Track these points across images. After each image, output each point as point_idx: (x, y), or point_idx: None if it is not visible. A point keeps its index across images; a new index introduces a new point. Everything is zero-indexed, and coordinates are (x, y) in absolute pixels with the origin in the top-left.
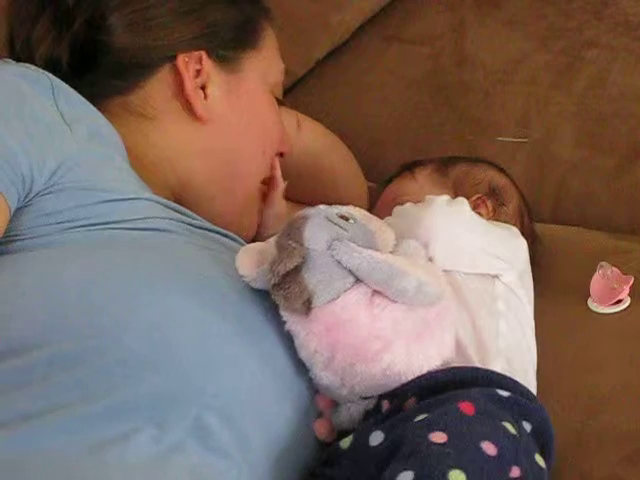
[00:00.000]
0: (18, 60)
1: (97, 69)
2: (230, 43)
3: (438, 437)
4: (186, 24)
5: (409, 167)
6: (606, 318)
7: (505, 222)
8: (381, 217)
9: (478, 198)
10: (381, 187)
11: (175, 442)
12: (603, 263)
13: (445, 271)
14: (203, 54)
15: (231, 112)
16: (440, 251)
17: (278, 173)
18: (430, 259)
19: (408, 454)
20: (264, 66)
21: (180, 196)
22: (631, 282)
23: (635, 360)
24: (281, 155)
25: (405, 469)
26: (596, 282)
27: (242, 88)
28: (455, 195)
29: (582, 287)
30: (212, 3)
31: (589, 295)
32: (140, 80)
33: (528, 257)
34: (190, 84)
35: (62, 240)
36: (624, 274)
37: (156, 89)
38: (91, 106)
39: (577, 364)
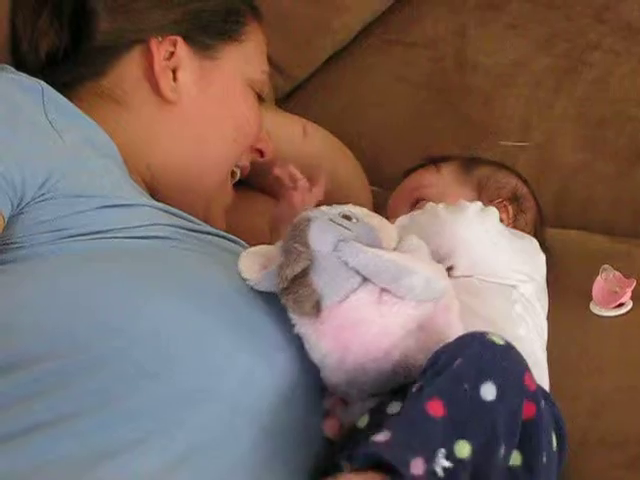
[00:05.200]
0: (23, 57)
1: (76, 56)
2: (209, 31)
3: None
4: (166, 9)
5: (434, 160)
6: (608, 321)
7: (522, 230)
8: (395, 207)
9: (500, 202)
10: (401, 178)
11: (182, 451)
12: (605, 266)
13: (464, 276)
14: (179, 38)
15: (201, 98)
16: (464, 260)
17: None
18: (452, 266)
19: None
20: (243, 59)
21: (151, 184)
22: (633, 285)
23: (637, 363)
24: (261, 154)
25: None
26: (598, 285)
27: (216, 76)
28: (478, 195)
29: (584, 290)
30: None
31: (591, 298)
32: (112, 63)
33: (545, 272)
34: (159, 65)
35: (60, 249)
36: (626, 277)
37: (126, 71)
38: (84, 115)
39: (579, 367)
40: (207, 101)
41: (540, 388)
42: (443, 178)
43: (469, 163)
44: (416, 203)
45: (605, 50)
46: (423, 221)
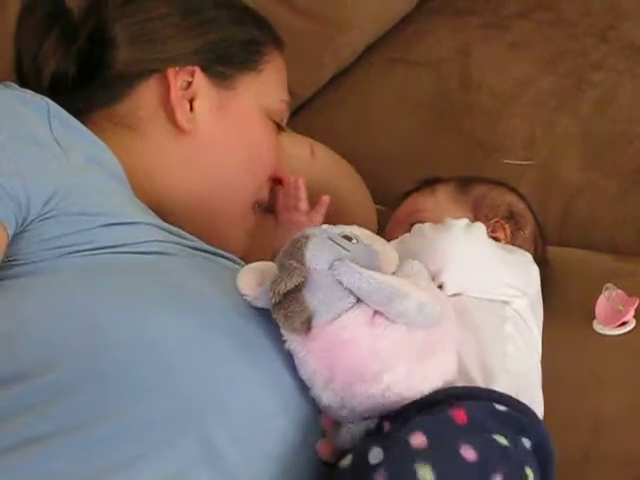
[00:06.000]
0: (26, 77)
1: (92, 83)
2: (228, 61)
3: (418, 438)
4: (186, 39)
5: (429, 183)
6: (611, 340)
7: (520, 247)
8: (394, 231)
9: (496, 222)
10: (398, 201)
11: (182, 466)
12: (608, 285)
13: (454, 294)
14: (196, 68)
15: (217, 128)
16: (453, 278)
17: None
18: (441, 284)
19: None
20: (262, 90)
21: (159, 207)
22: (636, 304)
23: (639, 382)
24: (279, 182)
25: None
26: (601, 304)
27: (233, 106)
28: (474, 216)
29: (587, 309)
30: (216, 21)
31: (594, 317)
32: (128, 90)
33: (539, 285)
34: (175, 93)
35: (63, 265)
36: (629, 296)
37: (142, 99)
38: (89, 133)
39: (582, 385)
40: (223, 131)
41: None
42: (439, 201)
43: (464, 183)
44: (412, 227)
45: (608, 69)
46: (411, 242)
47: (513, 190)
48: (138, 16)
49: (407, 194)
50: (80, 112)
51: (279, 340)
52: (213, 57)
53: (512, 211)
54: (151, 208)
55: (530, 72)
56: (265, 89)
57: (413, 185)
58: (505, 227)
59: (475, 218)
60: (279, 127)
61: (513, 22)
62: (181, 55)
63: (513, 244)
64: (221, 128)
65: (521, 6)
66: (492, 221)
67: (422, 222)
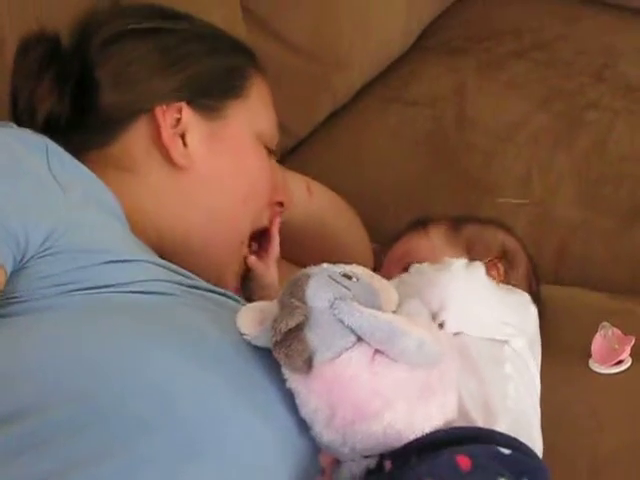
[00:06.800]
0: (20, 117)
1: (83, 126)
2: (213, 91)
3: None
4: (167, 77)
5: (422, 223)
6: (607, 378)
7: (515, 285)
8: (388, 272)
9: (490, 261)
10: (391, 242)
11: None
12: (604, 324)
13: (455, 333)
14: (183, 104)
15: (213, 158)
16: (454, 316)
17: (276, 238)
18: (442, 323)
19: None
20: (250, 115)
21: (159, 245)
22: (632, 343)
23: (637, 420)
24: (281, 205)
25: None
26: (597, 342)
27: (225, 134)
28: (467, 255)
29: (583, 347)
30: (194, 55)
31: (590, 355)
32: (119, 133)
33: (538, 325)
34: (167, 132)
35: (61, 303)
36: (625, 335)
37: (134, 140)
38: (87, 171)
39: (579, 424)
40: (219, 161)
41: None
42: (432, 241)
43: (457, 223)
44: (407, 268)
45: (604, 108)
46: (410, 282)
47: (506, 229)
48: (118, 59)
49: (399, 235)
50: (75, 153)
51: (279, 379)
52: (197, 90)
53: (505, 250)
54: (150, 246)
55: (525, 111)
56: (254, 113)
57: (405, 226)
58: (498, 266)
59: (469, 257)
60: (270, 151)
61: (508, 61)
62: (166, 93)
63: (507, 283)
64: (216, 158)
65: (516, 45)
66: (486, 260)
67: (417, 262)
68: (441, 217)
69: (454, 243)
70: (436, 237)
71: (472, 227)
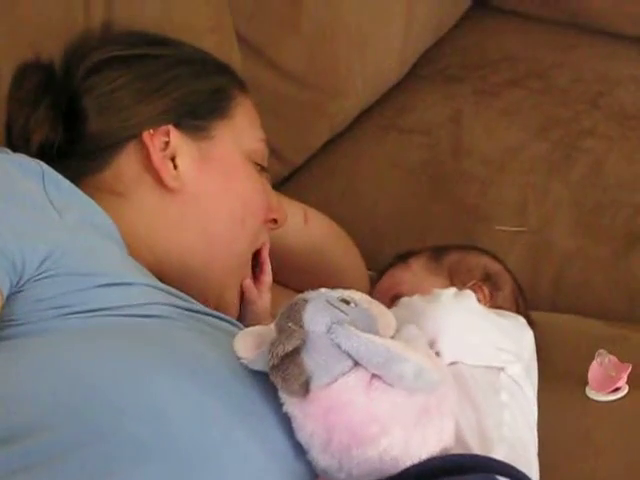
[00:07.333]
0: (15, 145)
1: (74, 153)
2: (199, 113)
3: None
4: (152, 102)
5: (402, 257)
6: (604, 406)
7: (501, 307)
8: None
9: (474, 284)
10: (377, 277)
11: None
12: (601, 351)
13: (450, 363)
14: (170, 127)
15: (204, 179)
16: (448, 346)
17: (267, 264)
18: (437, 353)
19: None
20: (237, 134)
21: (161, 273)
22: (629, 370)
23: (633, 447)
24: (275, 222)
25: None
26: (594, 370)
27: (214, 154)
28: (451, 282)
29: (580, 375)
30: (179, 79)
31: (587, 383)
32: (109, 160)
33: (534, 348)
34: (156, 156)
35: (58, 326)
36: (622, 362)
37: (124, 166)
38: (83, 195)
39: (576, 451)
40: (210, 181)
41: None
42: (414, 273)
43: (437, 252)
44: (394, 300)
45: (600, 136)
46: (401, 315)
47: (487, 252)
48: (101, 87)
49: (383, 271)
50: (71, 179)
51: (276, 403)
52: (183, 112)
53: (488, 273)
54: (148, 269)
55: (521, 139)
56: (241, 132)
57: (387, 262)
58: (483, 288)
59: (452, 284)
60: (262, 168)
61: (504, 89)
62: (152, 117)
63: (493, 305)
64: (208, 178)
65: (512, 73)
66: (469, 284)
67: (402, 294)
68: (421, 249)
69: (436, 272)
70: (418, 268)
71: (453, 254)
